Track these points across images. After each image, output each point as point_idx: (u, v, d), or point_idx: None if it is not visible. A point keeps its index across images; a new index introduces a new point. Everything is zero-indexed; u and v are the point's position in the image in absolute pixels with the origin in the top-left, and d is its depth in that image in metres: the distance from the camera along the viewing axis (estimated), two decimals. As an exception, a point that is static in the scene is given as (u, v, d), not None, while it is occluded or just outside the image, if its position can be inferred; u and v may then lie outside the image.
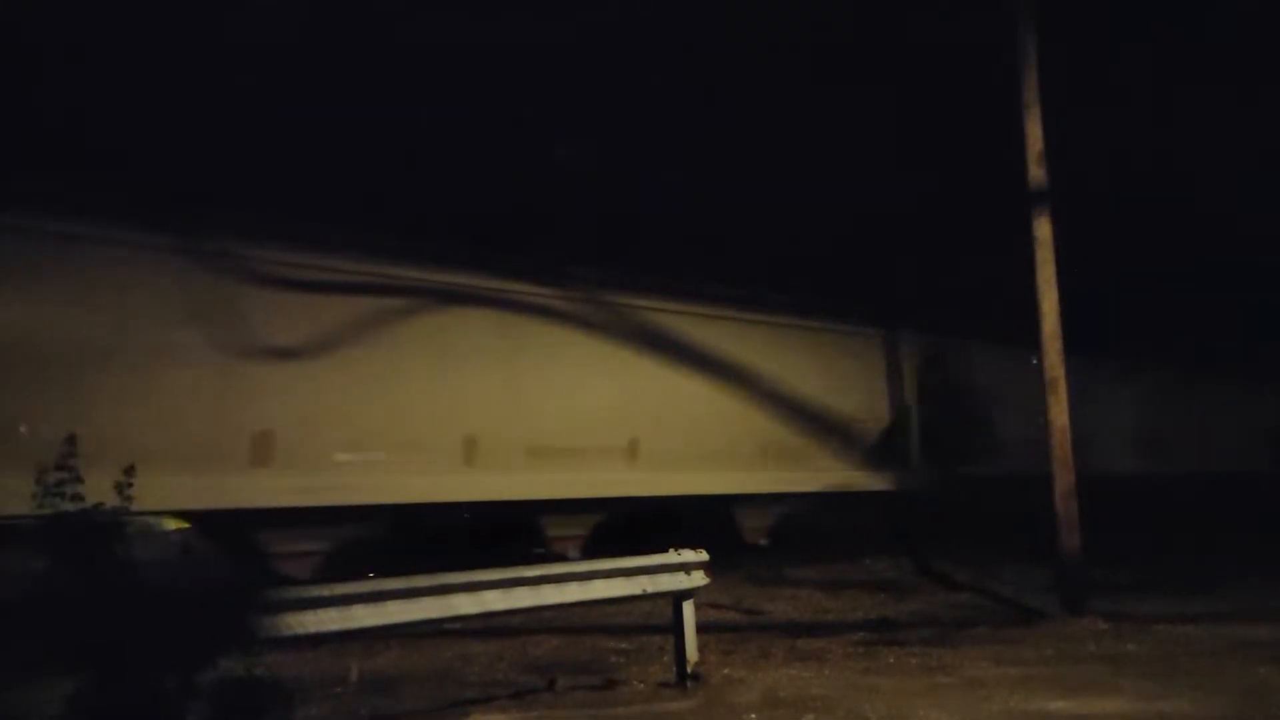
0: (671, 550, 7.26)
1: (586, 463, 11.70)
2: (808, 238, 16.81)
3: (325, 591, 5.52)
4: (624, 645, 8.55)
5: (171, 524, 8.83)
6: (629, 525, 11.46)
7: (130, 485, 5.17)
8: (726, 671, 7.49)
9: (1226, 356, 20.78)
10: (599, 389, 11.94)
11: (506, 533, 11.55)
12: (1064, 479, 10.54)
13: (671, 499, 12.21)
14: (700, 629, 7.38)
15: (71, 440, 5.14)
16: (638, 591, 7.00)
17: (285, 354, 9.75)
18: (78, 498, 5.01)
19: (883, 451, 14.87)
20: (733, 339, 13.34)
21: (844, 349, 14.83)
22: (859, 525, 14.44)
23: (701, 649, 7.37)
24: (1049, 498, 10.57)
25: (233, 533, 9.44)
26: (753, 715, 6.21)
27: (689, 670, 7.10)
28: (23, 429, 8.06)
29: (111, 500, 5.09)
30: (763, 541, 13.47)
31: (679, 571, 7.20)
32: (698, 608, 7.36)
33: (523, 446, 11.20)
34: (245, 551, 9.49)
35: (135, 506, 5.22)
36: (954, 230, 17.74)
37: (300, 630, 5.36)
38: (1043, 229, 10.78)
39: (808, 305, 14.51)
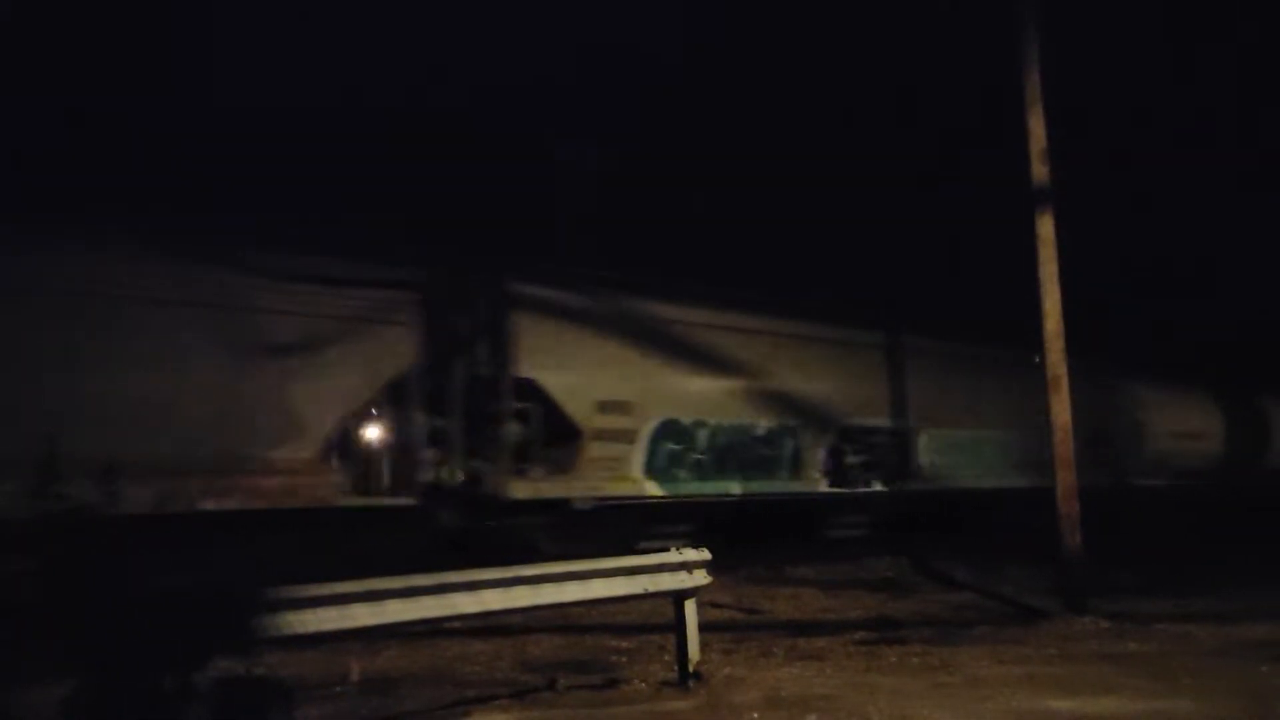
0: (673, 549, 7.23)
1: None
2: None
3: (324, 591, 5.48)
4: (625, 644, 8.52)
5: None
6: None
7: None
8: (728, 670, 7.46)
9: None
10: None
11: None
12: (1066, 478, 10.50)
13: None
14: (701, 628, 7.34)
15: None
16: (639, 590, 6.95)
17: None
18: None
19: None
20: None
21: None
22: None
23: (703, 648, 7.33)
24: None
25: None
26: (755, 715, 6.18)
27: (691, 669, 7.06)
28: None
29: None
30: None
31: (680, 570, 7.15)
32: (698, 607, 7.32)
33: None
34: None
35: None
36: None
37: (299, 629, 5.33)
38: (1045, 227, 10.71)
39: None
